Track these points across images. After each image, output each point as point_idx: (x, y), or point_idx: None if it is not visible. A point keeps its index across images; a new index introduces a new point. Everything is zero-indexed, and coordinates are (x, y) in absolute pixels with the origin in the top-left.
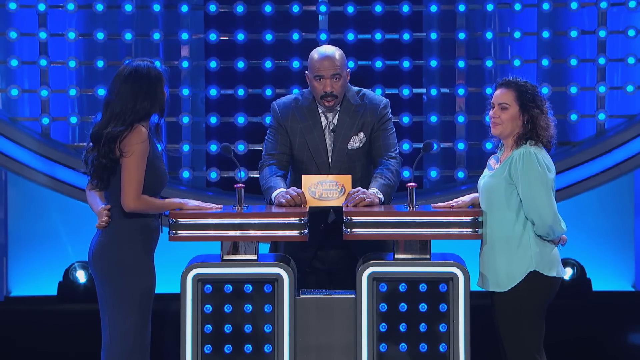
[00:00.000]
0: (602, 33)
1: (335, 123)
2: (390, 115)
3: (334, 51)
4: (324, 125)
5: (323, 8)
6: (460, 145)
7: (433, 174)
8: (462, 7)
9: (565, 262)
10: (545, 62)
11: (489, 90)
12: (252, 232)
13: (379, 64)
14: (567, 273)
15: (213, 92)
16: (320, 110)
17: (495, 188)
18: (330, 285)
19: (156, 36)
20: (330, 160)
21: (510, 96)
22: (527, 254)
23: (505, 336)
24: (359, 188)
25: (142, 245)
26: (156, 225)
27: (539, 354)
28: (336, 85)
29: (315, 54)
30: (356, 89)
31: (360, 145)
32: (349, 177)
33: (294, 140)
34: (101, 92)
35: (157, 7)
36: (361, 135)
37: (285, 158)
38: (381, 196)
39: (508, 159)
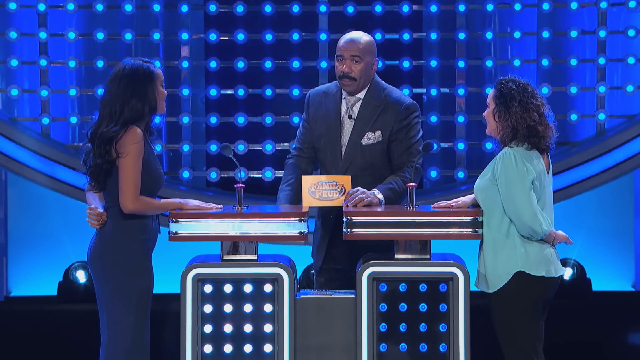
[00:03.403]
0: (602, 33)
1: (355, 112)
2: (416, 121)
3: (361, 36)
4: (343, 112)
5: (323, 8)
6: (460, 145)
7: (433, 174)
8: (462, 7)
9: (565, 262)
10: (545, 62)
11: (489, 90)
12: (252, 232)
13: (379, 64)
14: (567, 273)
15: (213, 92)
16: (343, 97)
17: (482, 189)
18: (340, 285)
19: (156, 36)
20: (343, 151)
21: (491, 95)
22: (513, 254)
23: (500, 336)
24: (358, 188)
25: (140, 245)
26: (154, 226)
27: (536, 354)
28: (355, 67)
29: (343, 36)
30: (384, 85)
31: (375, 142)
32: (349, 177)
33: (314, 127)
34: (101, 92)
35: (157, 7)
36: (378, 133)
37: (311, 151)
38: (381, 197)
39: (493, 160)
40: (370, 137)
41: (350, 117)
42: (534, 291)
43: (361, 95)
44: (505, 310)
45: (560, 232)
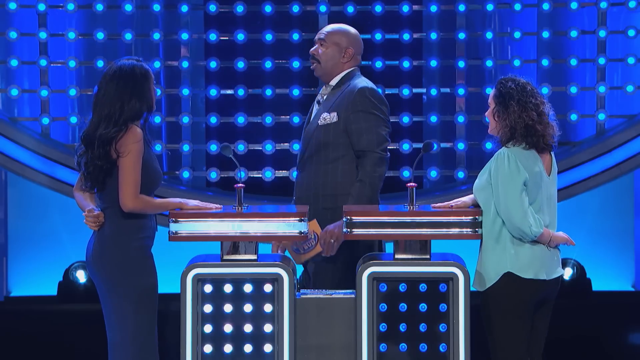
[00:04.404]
0: (602, 33)
1: (323, 99)
2: (373, 105)
3: (336, 25)
4: (317, 99)
5: (323, 8)
6: (460, 145)
7: (433, 174)
8: (462, 7)
9: (565, 262)
10: (545, 62)
11: (489, 90)
12: (252, 232)
13: (379, 64)
14: (567, 273)
15: (213, 92)
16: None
17: (480, 189)
18: (310, 285)
19: (156, 36)
20: (305, 132)
21: (492, 94)
22: (503, 255)
23: (489, 335)
24: (327, 229)
25: (141, 244)
26: (153, 224)
27: (520, 356)
28: (320, 50)
29: None
30: (357, 77)
31: (330, 123)
32: (314, 221)
33: None
34: None
35: (157, 7)
36: (333, 114)
37: None
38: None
39: (490, 160)
40: (326, 118)
41: (318, 102)
42: (521, 293)
43: (333, 83)
44: (492, 310)
45: (560, 233)
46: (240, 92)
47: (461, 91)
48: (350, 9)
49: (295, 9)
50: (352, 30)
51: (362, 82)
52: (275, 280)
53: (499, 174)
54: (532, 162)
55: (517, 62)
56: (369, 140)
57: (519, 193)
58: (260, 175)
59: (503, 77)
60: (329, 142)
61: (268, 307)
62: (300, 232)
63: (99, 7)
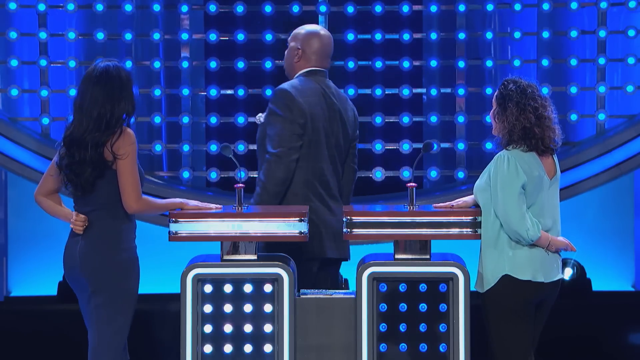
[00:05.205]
0: (602, 33)
1: None
2: (273, 107)
3: (300, 27)
4: None
5: (323, 8)
6: (460, 145)
7: (433, 174)
8: (462, 7)
9: (565, 262)
10: (545, 62)
11: (489, 90)
12: (252, 232)
13: (379, 64)
14: (567, 273)
15: (213, 92)
16: None
17: (480, 190)
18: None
19: (156, 36)
20: None
21: (494, 95)
22: (501, 257)
23: (489, 336)
24: None
25: (131, 245)
26: (135, 224)
27: (523, 357)
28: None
29: None
30: (301, 77)
31: (260, 123)
32: None
33: None
34: None
35: (157, 7)
36: (264, 114)
37: None
38: None
39: (491, 161)
40: (259, 118)
41: None
42: (519, 295)
43: None
44: (491, 312)
45: (560, 238)
46: (240, 92)
47: (461, 91)
48: (350, 9)
49: (295, 9)
50: (310, 29)
51: (286, 82)
52: (275, 280)
53: (498, 177)
54: (532, 165)
55: (517, 62)
56: (268, 142)
57: (517, 196)
58: None
59: (507, 78)
60: (260, 142)
61: (268, 307)
62: (300, 232)
63: (99, 7)
